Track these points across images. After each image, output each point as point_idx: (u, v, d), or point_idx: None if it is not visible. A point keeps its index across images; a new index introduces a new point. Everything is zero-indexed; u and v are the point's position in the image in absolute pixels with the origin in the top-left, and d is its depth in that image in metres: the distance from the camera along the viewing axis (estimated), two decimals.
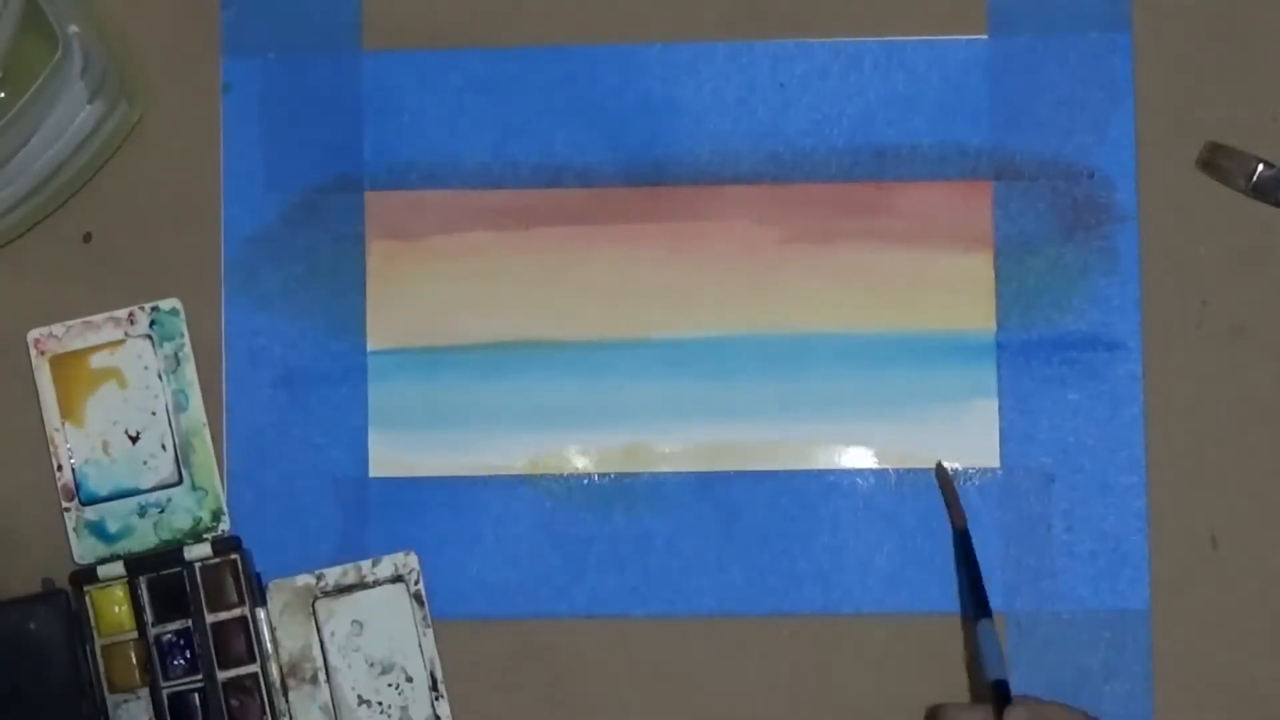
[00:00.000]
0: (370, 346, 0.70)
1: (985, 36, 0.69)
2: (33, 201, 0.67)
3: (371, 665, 0.68)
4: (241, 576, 0.68)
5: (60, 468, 0.69)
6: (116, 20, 0.69)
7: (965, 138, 0.69)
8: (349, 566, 0.68)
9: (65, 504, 0.69)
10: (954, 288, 0.69)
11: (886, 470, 0.69)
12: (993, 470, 0.69)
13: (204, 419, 0.69)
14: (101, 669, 0.67)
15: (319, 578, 0.68)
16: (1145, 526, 0.68)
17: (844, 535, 0.69)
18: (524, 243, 0.70)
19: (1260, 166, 0.68)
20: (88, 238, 0.70)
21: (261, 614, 0.68)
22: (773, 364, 0.69)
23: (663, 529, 0.69)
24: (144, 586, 0.68)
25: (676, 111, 0.70)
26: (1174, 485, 0.68)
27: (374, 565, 0.68)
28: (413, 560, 0.68)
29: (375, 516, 0.69)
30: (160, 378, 0.69)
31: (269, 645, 0.68)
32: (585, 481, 0.69)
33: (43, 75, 0.63)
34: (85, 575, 0.68)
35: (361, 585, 0.68)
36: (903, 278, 0.69)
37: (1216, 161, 0.68)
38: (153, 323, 0.69)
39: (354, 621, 0.68)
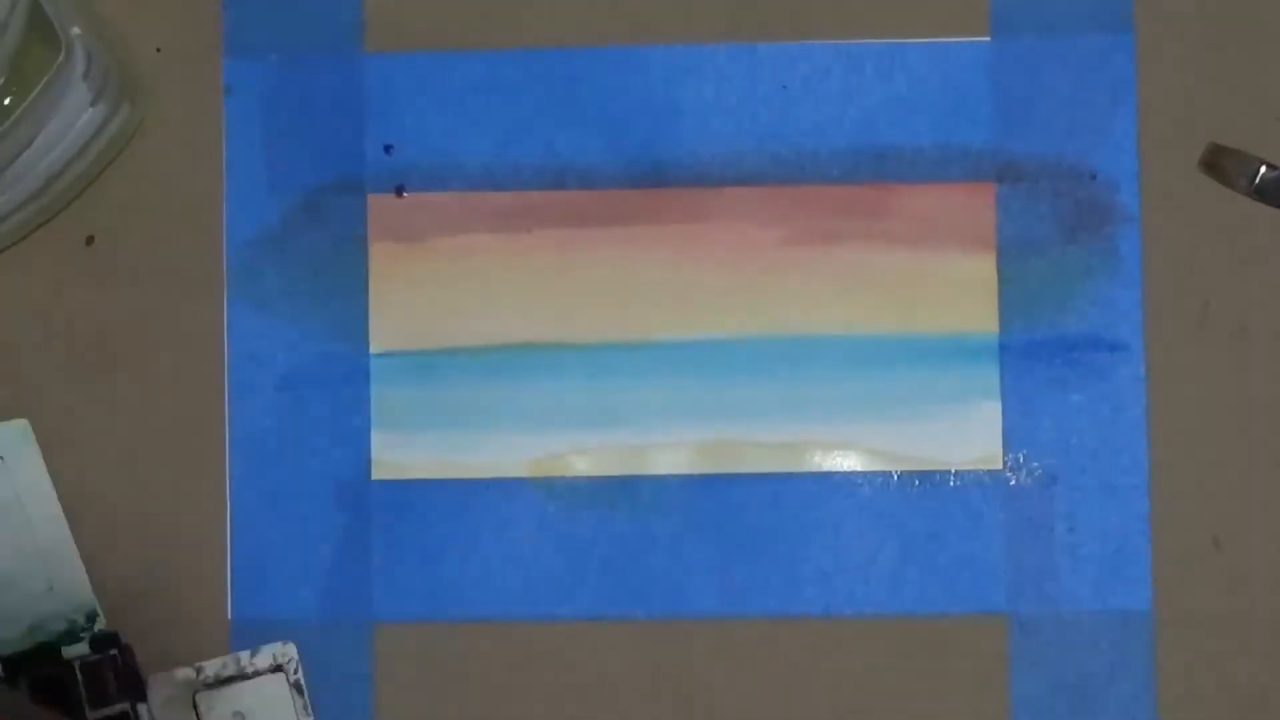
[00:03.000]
0: (372, 349, 0.70)
1: (988, 38, 0.69)
2: (35, 204, 0.67)
3: None
4: (122, 672, 0.67)
5: None
6: (119, 22, 0.69)
7: (968, 139, 0.69)
8: (228, 658, 0.68)
9: None
10: (956, 289, 0.69)
11: (889, 472, 0.69)
12: (995, 472, 0.69)
13: (65, 524, 0.69)
14: None
15: (198, 670, 0.68)
16: (1148, 527, 0.68)
17: (846, 537, 0.69)
18: (526, 244, 0.70)
19: (1263, 168, 0.68)
20: (90, 240, 0.70)
21: (143, 709, 0.68)
22: (774, 366, 0.69)
23: (665, 531, 0.69)
24: (25, 687, 0.67)
25: (678, 113, 0.70)
26: (1177, 486, 0.68)
27: (252, 656, 0.68)
28: (291, 650, 0.68)
29: (377, 519, 0.69)
30: (19, 500, 0.69)
31: None
32: (587, 484, 0.69)
33: (45, 78, 0.63)
34: None
35: (241, 676, 0.68)
36: (905, 279, 0.69)
37: (1219, 163, 0.68)
38: (3, 444, 0.69)
39: (235, 713, 0.68)
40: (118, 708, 0.67)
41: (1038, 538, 0.68)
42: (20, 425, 0.69)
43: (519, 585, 0.69)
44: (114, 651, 0.67)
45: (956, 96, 0.69)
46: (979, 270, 0.69)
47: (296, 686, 0.68)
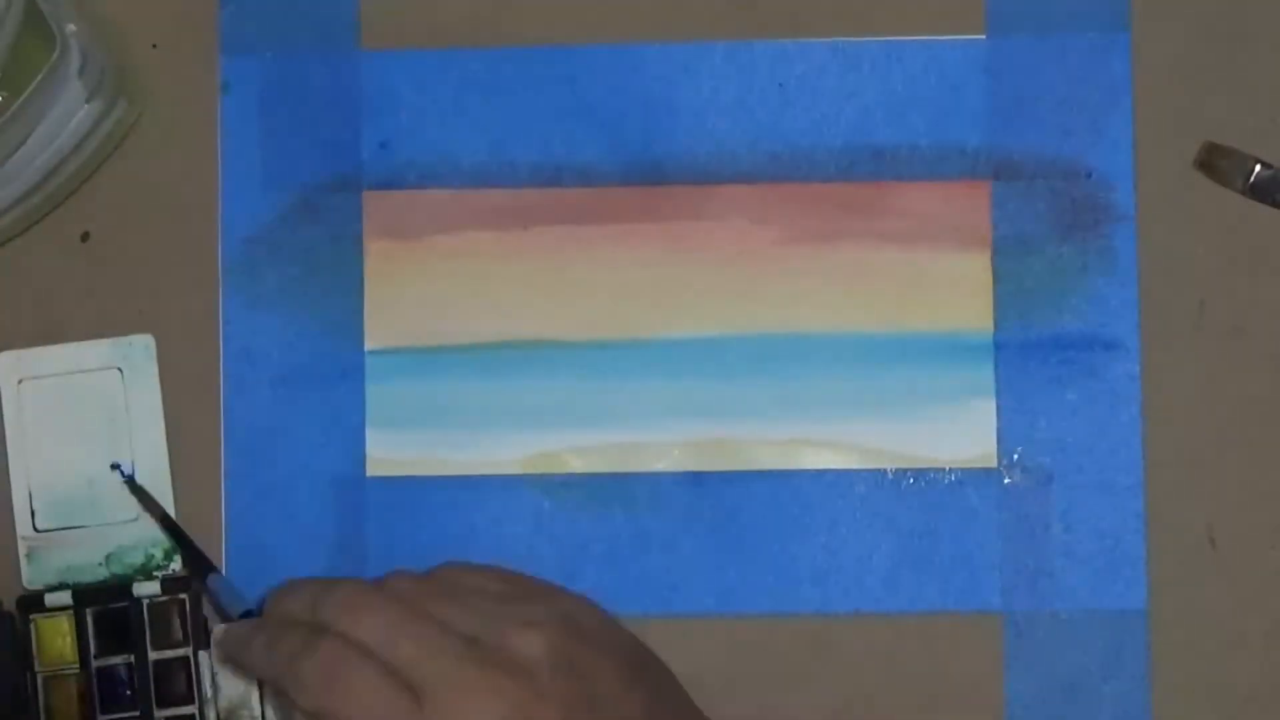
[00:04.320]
0: (368, 346, 0.70)
1: (983, 36, 0.69)
2: (30, 201, 0.67)
3: None
4: (189, 617, 0.68)
5: (18, 491, 0.69)
6: (115, 19, 0.69)
7: (963, 138, 0.69)
8: None
9: (20, 528, 0.69)
10: (952, 287, 0.69)
11: (884, 470, 0.69)
12: (990, 470, 0.69)
13: (167, 458, 0.69)
14: (40, 699, 0.67)
15: None
16: (1143, 526, 0.68)
17: (841, 535, 0.69)
18: (522, 242, 0.70)
19: (1258, 167, 0.68)
20: (85, 237, 0.70)
21: (204, 657, 0.68)
22: (770, 364, 0.69)
23: (660, 528, 0.69)
24: (90, 618, 0.68)
25: (675, 111, 0.70)
26: (1172, 485, 0.68)
27: None
28: None
29: (372, 516, 0.69)
30: (127, 413, 0.69)
31: (209, 689, 0.68)
32: (583, 481, 0.69)
33: (40, 74, 0.63)
34: (32, 601, 0.68)
35: None
36: (900, 277, 0.69)
37: (1214, 162, 0.68)
38: (125, 357, 0.69)
39: None
40: (179, 652, 0.68)
41: (1033, 536, 0.68)
42: (145, 340, 0.69)
43: None
44: (184, 596, 0.68)
45: (952, 95, 0.69)
46: (974, 268, 0.69)
47: None
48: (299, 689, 0.59)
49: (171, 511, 0.69)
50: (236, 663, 0.65)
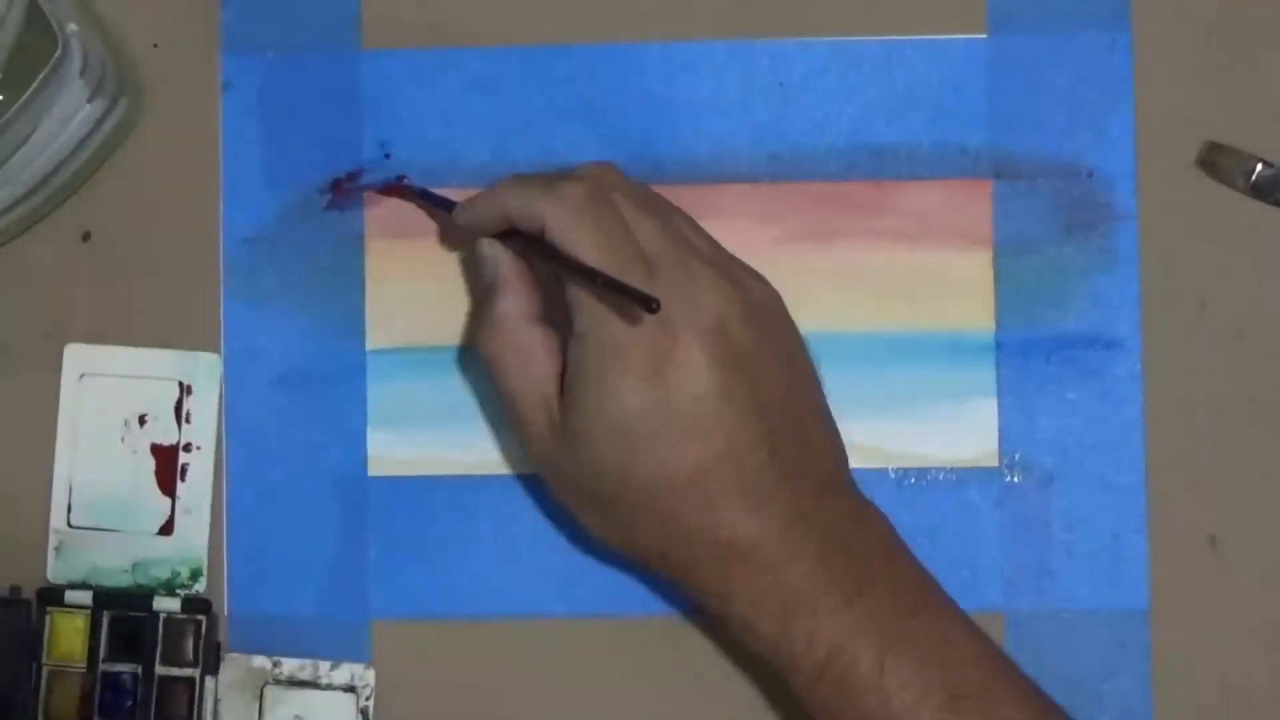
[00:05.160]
0: (369, 345, 0.70)
1: (985, 36, 0.69)
2: (31, 201, 0.67)
3: None
4: (202, 640, 0.68)
5: (59, 484, 0.69)
6: (116, 18, 0.69)
7: (964, 137, 0.69)
8: (307, 662, 0.68)
9: (54, 521, 0.69)
10: (953, 287, 0.69)
11: (885, 469, 0.69)
12: (991, 469, 0.69)
13: (211, 478, 0.69)
14: (42, 691, 0.68)
15: (275, 664, 0.68)
16: (1145, 526, 0.68)
17: None
18: None
19: (1260, 166, 0.68)
20: (86, 237, 0.70)
21: (210, 682, 0.68)
22: None
23: None
24: (106, 621, 0.68)
25: (675, 111, 0.70)
26: (1174, 484, 0.68)
27: (331, 668, 0.68)
28: (369, 676, 0.68)
29: (374, 516, 0.69)
30: (181, 426, 0.69)
31: (209, 714, 0.68)
32: None
33: (42, 74, 0.63)
34: (52, 595, 0.68)
35: (314, 684, 0.68)
36: (901, 277, 0.69)
37: (1216, 161, 0.68)
38: (189, 372, 0.69)
39: (297, 716, 0.68)
40: (187, 672, 0.68)
41: (1034, 536, 0.68)
42: (210, 359, 0.69)
43: (517, 582, 0.69)
44: (201, 618, 0.68)
45: (953, 94, 0.69)
46: (975, 268, 0.69)
47: (364, 713, 0.68)
48: (554, 203, 0.61)
49: (205, 529, 0.69)
50: (479, 215, 0.65)
